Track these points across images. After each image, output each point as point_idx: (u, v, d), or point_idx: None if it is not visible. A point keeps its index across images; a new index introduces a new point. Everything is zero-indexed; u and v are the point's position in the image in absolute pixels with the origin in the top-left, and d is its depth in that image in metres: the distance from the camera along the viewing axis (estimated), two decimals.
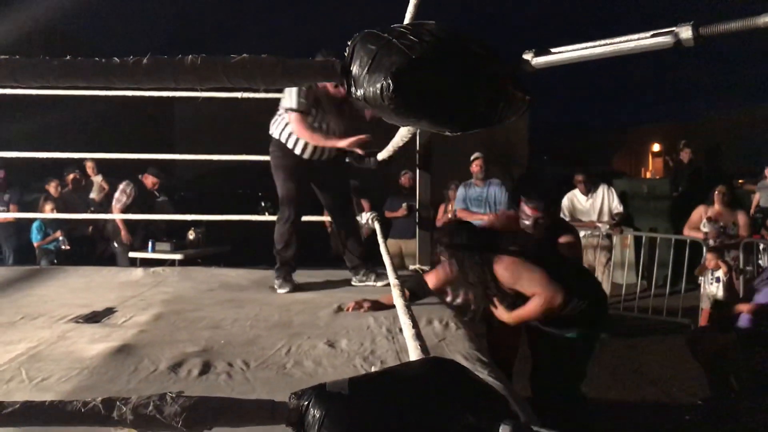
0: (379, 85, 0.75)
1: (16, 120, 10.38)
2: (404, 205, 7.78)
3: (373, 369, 2.31)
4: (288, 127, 3.85)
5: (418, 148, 4.51)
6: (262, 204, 15.67)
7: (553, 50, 0.76)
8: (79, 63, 0.80)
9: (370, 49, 0.78)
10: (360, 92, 0.78)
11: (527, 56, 0.78)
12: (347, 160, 4.17)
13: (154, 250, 7.08)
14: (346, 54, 0.82)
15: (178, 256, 7.04)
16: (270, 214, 14.91)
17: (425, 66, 0.76)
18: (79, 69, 0.80)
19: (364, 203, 7.99)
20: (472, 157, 7.18)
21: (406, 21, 2.57)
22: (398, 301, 1.49)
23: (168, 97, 5.46)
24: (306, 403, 0.80)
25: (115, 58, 0.80)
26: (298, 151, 3.87)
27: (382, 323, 2.99)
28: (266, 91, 3.95)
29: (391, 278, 1.98)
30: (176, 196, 10.93)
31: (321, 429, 0.77)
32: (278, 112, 3.93)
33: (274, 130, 3.94)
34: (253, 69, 0.81)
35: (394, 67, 0.74)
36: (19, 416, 0.80)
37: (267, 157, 4.28)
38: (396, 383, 0.84)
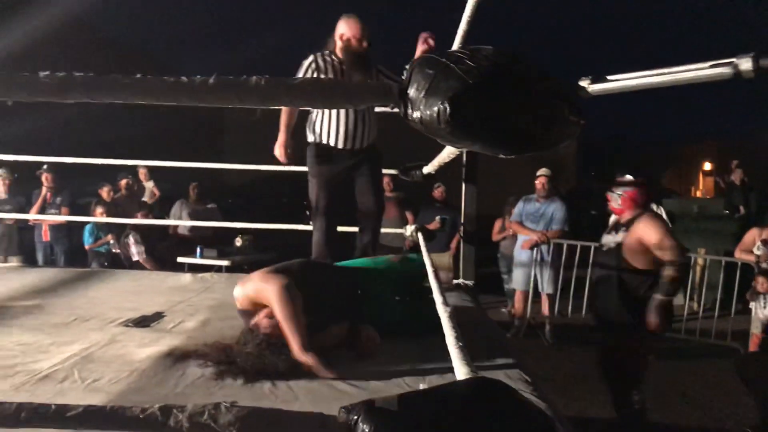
0: (435, 109, 0.77)
1: (71, 127, 10.71)
2: (437, 218, 7.76)
3: (420, 386, 2.31)
4: (316, 121, 3.75)
5: (464, 162, 4.51)
6: (308, 213, 15.88)
7: (609, 78, 0.77)
8: (150, 81, 0.84)
9: (428, 73, 0.80)
10: (416, 114, 0.80)
11: (584, 83, 0.79)
12: (396, 172, 4.21)
13: (201, 256, 7.22)
14: (404, 77, 0.84)
15: (224, 263, 7.16)
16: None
17: (481, 91, 0.77)
18: (149, 87, 0.84)
19: (408, 215, 8.01)
20: (537, 173, 7.14)
21: (456, 45, 2.59)
22: (444, 317, 1.50)
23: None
24: (356, 417, 0.82)
25: (183, 77, 0.83)
26: (324, 141, 3.77)
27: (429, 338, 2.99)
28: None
29: (436, 293, 1.98)
30: (224, 203, 11.13)
31: None
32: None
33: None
34: (314, 90, 0.83)
35: (451, 91, 0.76)
36: (81, 419, 0.84)
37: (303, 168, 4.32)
38: (444, 402, 0.85)
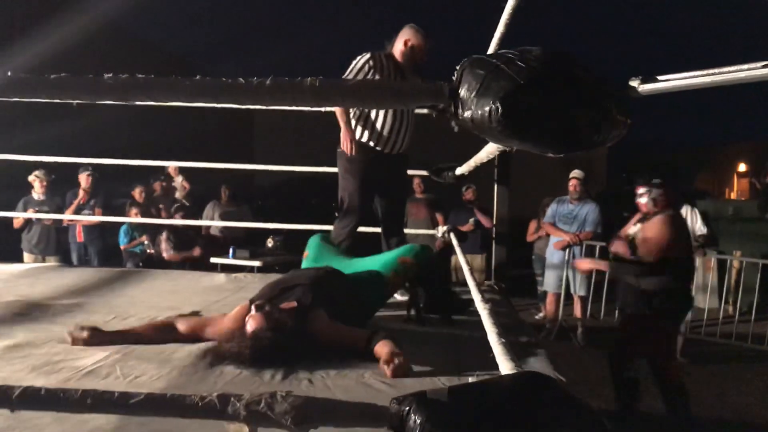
0: (487, 109, 0.79)
1: (104, 131, 10.89)
2: (471, 220, 7.74)
3: (451, 382, 2.33)
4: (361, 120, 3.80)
5: (496, 163, 4.51)
6: (336, 214, 15.97)
7: (659, 78, 0.78)
8: (208, 83, 0.87)
9: (479, 74, 0.82)
10: (467, 114, 0.82)
11: (634, 83, 0.81)
12: (428, 173, 4.23)
13: (234, 257, 7.31)
14: (454, 78, 0.86)
15: (256, 263, 7.23)
16: None
17: (532, 91, 0.79)
18: (208, 88, 0.87)
19: (439, 217, 8.02)
20: (570, 175, 7.11)
21: (492, 46, 2.61)
22: (484, 314, 1.51)
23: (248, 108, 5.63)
24: (407, 408, 0.84)
25: (240, 79, 0.86)
26: (367, 141, 3.85)
27: (459, 336, 3.02)
28: None
29: (474, 291, 2.00)
30: (254, 204, 11.24)
31: None
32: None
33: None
34: (367, 91, 0.86)
35: (502, 92, 0.78)
36: (144, 406, 0.87)
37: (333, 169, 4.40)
38: (494, 394, 0.87)
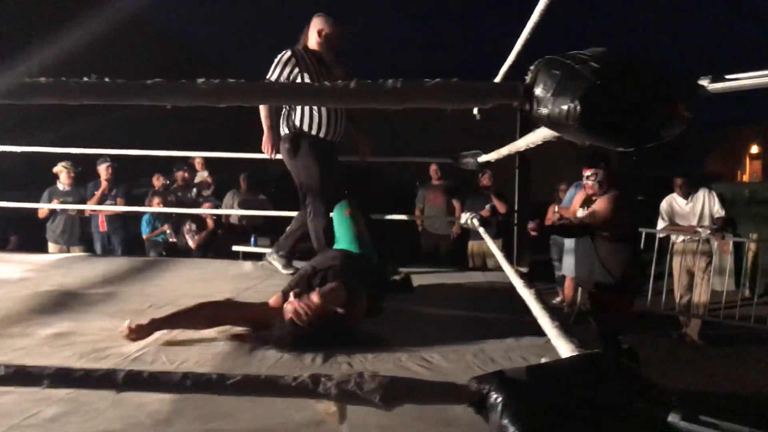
0: (565, 107, 0.84)
1: (128, 123, 10.97)
2: (487, 206, 7.77)
3: (489, 367, 2.40)
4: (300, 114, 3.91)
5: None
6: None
7: (728, 77, 0.83)
8: (298, 86, 0.93)
9: (554, 74, 0.87)
10: (544, 111, 0.88)
11: (703, 82, 0.86)
12: (450, 160, 4.28)
13: (255, 245, 7.40)
14: (527, 78, 0.92)
15: None
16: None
17: (607, 90, 0.84)
18: (299, 91, 0.93)
19: (456, 203, 8.07)
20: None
21: (515, 51, 2.66)
22: (531, 300, 1.57)
23: None
24: (487, 387, 0.90)
25: (327, 83, 0.92)
26: (316, 131, 3.99)
27: (487, 320, 3.09)
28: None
29: (514, 277, 2.05)
30: (269, 192, 11.30)
31: (503, 410, 0.87)
32: None
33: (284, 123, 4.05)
34: (445, 92, 0.92)
35: (580, 91, 0.84)
36: (241, 387, 0.94)
37: (354, 158, 4.52)
38: (567, 372, 0.93)
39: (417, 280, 4.33)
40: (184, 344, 2.63)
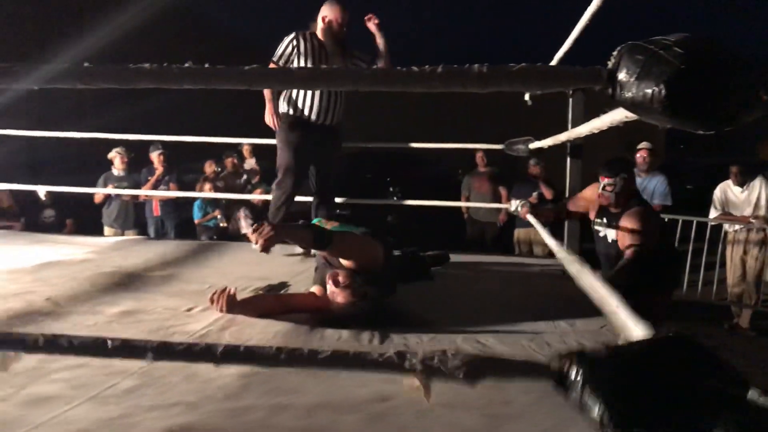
0: (649, 91, 0.87)
1: (178, 110, 11.19)
2: (534, 194, 7.71)
3: (545, 351, 2.42)
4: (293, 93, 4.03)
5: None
6: (391, 189, 16.04)
7: None
8: (382, 72, 0.96)
9: (638, 59, 0.89)
10: (627, 95, 0.90)
11: None
12: (503, 146, 4.28)
13: None
14: (610, 62, 0.94)
15: None
16: (399, 199, 15.21)
17: (692, 75, 0.86)
18: (383, 76, 0.97)
19: (502, 191, 8.04)
20: (638, 146, 7.02)
21: (572, 37, 2.65)
22: (598, 285, 1.59)
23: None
24: (568, 364, 0.93)
25: (414, 67, 0.96)
26: (300, 113, 4.14)
27: (540, 304, 3.11)
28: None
29: (572, 261, 2.07)
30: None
31: (584, 388, 0.90)
32: None
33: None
34: (529, 76, 0.94)
35: (665, 75, 0.86)
36: (331, 361, 0.99)
37: (394, 144, 4.59)
38: (645, 352, 0.96)
39: (465, 265, 4.37)
40: (245, 324, 2.71)
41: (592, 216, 4.44)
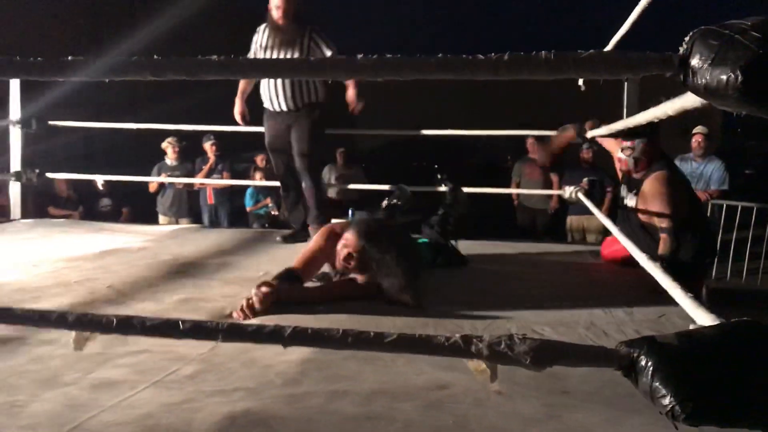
0: (724, 77, 0.85)
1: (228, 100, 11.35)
2: (585, 180, 7.57)
3: (602, 340, 2.40)
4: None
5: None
6: (439, 176, 16.02)
7: None
8: (451, 59, 0.96)
9: (712, 44, 0.88)
10: (701, 82, 0.88)
11: None
12: (555, 133, 4.23)
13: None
14: (682, 48, 0.92)
15: None
16: (446, 186, 15.06)
17: None
18: (450, 64, 0.97)
19: (553, 177, 7.94)
20: (693, 131, 6.86)
21: (628, 24, 2.60)
22: (656, 272, 1.57)
23: None
24: (637, 351, 0.93)
25: (480, 55, 0.96)
26: (265, 104, 4.31)
27: (595, 293, 3.08)
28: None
29: (638, 254, 2.04)
30: (361, 167, 11.50)
31: (654, 375, 0.89)
32: None
33: None
34: (599, 62, 0.94)
35: (741, 61, 0.84)
36: (397, 344, 1.00)
37: (440, 132, 4.52)
38: (716, 339, 0.94)
39: (516, 252, 4.34)
40: (297, 312, 2.74)
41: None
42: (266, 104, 4.31)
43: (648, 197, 3.72)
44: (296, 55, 4.08)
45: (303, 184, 4.38)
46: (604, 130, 3.63)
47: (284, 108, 4.25)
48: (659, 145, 3.83)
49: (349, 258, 2.89)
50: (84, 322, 1.06)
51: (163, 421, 1.67)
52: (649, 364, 0.90)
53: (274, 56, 4.09)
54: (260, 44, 4.15)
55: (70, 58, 1.07)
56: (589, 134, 3.96)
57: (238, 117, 4.51)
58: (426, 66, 0.98)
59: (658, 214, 3.66)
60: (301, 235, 4.35)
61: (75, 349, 1.08)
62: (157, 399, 1.81)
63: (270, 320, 2.58)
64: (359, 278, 2.93)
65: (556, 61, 0.94)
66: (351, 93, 4.33)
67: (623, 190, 4.05)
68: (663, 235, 3.61)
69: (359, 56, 0.98)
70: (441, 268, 3.58)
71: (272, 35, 4.10)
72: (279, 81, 4.15)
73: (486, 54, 0.95)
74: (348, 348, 1.00)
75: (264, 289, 2.62)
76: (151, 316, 1.09)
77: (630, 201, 3.91)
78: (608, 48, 3.25)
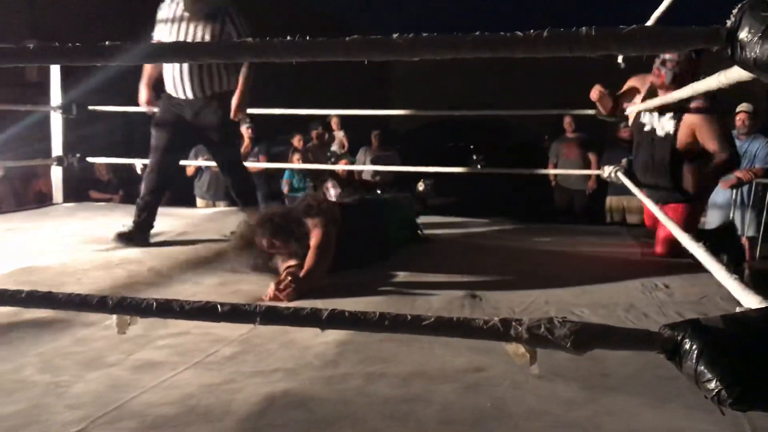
0: None
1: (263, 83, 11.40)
2: (623, 160, 7.42)
3: (642, 322, 2.37)
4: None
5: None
6: (474, 157, 15.89)
7: None
8: (489, 36, 0.94)
9: (763, 16, 0.84)
10: (750, 55, 0.85)
11: None
12: (594, 111, 4.15)
13: None
14: (729, 21, 0.89)
15: None
16: (482, 167, 15.03)
17: None
18: (490, 41, 0.95)
19: (592, 157, 7.82)
20: (737, 109, 6.67)
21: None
22: (703, 255, 1.53)
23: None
24: (681, 334, 0.90)
25: (518, 32, 0.93)
26: (167, 89, 3.91)
27: (634, 275, 3.04)
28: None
29: (682, 235, 2.00)
30: (395, 149, 11.47)
31: (699, 359, 0.87)
32: None
33: None
34: (642, 37, 0.90)
35: None
36: (434, 327, 0.99)
37: (476, 112, 4.38)
38: (764, 321, 0.92)
39: (553, 233, 4.30)
40: (337, 294, 2.76)
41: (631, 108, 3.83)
42: (168, 89, 3.88)
43: (697, 124, 3.39)
44: (209, 30, 3.64)
45: (227, 183, 4.10)
46: (643, 106, 3.54)
47: (190, 96, 3.82)
48: (699, 63, 3.41)
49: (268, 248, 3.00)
50: (124, 306, 1.07)
51: (204, 401, 1.69)
52: (694, 347, 0.88)
53: (184, 30, 3.67)
54: (168, 17, 3.73)
55: (107, 43, 1.08)
56: (629, 109, 3.85)
57: (143, 106, 4.11)
58: (463, 44, 0.96)
59: (712, 137, 3.34)
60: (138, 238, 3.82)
61: (118, 332, 1.09)
62: (198, 380, 1.84)
63: (306, 302, 2.61)
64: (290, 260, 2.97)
65: (598, 37, 0.91)
66: (235, 100, 3.86)
67: (646, 116, 3.69)
68: (723, 155, 3.34)
69: (395, 35, 0.96)
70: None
71: (183, 6, 3.68)
72: (184, 67, 3.73)
73: (523, 30, 0.94)
74: (385, 331, 1.00)
75: (287, 291, 2.69)
76: (190, 299, 1.10)
77: (663, 126, 3.54)
78: (649, 23, 3.16)
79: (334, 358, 1.99)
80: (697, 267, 1.98)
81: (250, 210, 3.64)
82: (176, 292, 2.76)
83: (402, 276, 3.08)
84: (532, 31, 0.93)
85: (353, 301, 2.64)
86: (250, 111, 6.20)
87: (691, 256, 1.90)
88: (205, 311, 1.05)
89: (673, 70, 3.38)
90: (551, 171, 7.88)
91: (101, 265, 3.23)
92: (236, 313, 1.04)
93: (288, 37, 1.00)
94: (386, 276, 3.04)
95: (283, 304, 2.45)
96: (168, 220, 4.66)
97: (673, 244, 2.95)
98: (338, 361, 1.97)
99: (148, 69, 4.04)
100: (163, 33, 3.75)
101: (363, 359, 1.98)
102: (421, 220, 4.86)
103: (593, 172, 7.16)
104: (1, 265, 3.21)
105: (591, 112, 4.39)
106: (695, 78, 3.07)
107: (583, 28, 0.91)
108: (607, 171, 4.19)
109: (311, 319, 1.02)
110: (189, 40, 3.58)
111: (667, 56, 3.39)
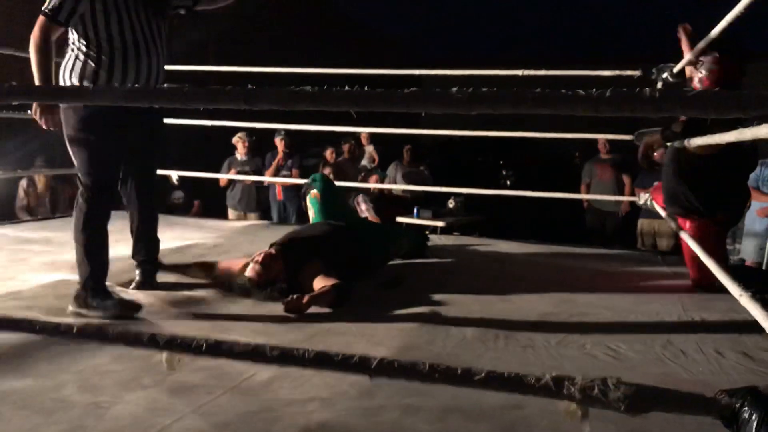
0: None
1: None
2: (655, 183, 7.30)
3: (680, 359, 2.33)
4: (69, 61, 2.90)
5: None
6: (503, 173, 15.78)
7: None
8: (548, 95, 0.94)
9: None
10: None
11: None
12: (633, 137, 4.10)
13: (418, 216, 7.53)
14: None
15: (440, 224, 7.38)
16: (511, 183, 14.85)
17: None
18: (549, 99, 0.95)
19: (626, 178, 7.72)
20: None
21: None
22: (727, 282, 1.50)
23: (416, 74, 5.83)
24: (740, 402, 0.89)
25: (580, 91, 0.93)
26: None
27: (669, 307, 3.00)
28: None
29: (708, 258, 1.97)
30: (425, 163, 11.45)
31: (760, 427, 0.86)
32: None
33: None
34: (706, 101, 0.90)
35: None
36: (487, 382, 0.98)
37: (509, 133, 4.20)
38: None
39: (586, 258, 4.25)
40: (367, 319, 2.76)
41: None
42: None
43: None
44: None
45: (139, 210, 3.21)
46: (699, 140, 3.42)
47: None
48: (737, 68, 3.18)
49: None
50: (176, 343, 1.09)
51: (241, 430, 1.70)
52: (754, 417, 0.87)
53: (135, 17, 2.90)
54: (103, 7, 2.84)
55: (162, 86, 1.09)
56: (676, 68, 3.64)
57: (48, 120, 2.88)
58: (523, 102, 0.96)
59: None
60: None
61: (167, 369, 1.10)
62: (234, 407, 1.85)
63: (342, 327, 2.62)
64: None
65: (662, 98, 0.90)
66: None
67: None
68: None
69: (454, 90, 0.97)
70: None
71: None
72: (133, 65, 2.87)
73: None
74: (437, 383, 0.99)
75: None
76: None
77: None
78: (716, 30, 2.95)
79: (370, 389, 1.98)
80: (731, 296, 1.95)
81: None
82: (213, 309, 2.81)
83: (436, 299, 3.07)
84: (594, 90, 0.93)
85: (385, 327, 2.64)
86: (283, 126, 6.29)
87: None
88: (255, 354, 1.06)
89: (705, 68, 3.17)
90: (584, 196, 7.78)
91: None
92: (286, 357, 1.04)
93: (346, 87, 1.02)
94: (420, 300, 3.03)
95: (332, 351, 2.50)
96: (203, 232, 4.72)
97: (701, 265, 2.80)
98: (374, 392, 1.97)
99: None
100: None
101: (399, 390, 1.97)
102: (452, 241, 4.87)
103: (628, 198, 7.07)
104: (41, 275, 3.26)
105: (630, 137, 4.36)
106: (726, 83, 3.05)
107: (647, 89, 0.91)
108: (643, 198, 4.14)
109: (360, 367, 1.02)
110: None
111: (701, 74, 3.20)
